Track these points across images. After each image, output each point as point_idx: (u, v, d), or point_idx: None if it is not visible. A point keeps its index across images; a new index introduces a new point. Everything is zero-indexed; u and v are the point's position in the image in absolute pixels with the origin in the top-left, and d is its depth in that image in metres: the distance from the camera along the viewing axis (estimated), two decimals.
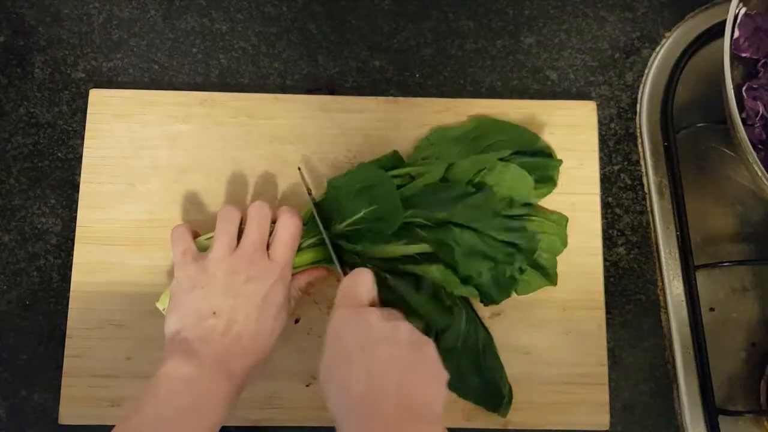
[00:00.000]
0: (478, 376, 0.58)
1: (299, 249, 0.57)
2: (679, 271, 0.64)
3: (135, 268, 0.62)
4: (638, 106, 0.67)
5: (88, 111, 0.65)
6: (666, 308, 0.63)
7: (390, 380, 0.46)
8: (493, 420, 0.59)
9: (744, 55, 0.63)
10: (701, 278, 0.63)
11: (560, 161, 0.62)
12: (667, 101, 0.67)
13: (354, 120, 0.65)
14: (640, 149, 0.66)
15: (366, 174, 0.59)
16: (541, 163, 0.61)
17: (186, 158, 0.64)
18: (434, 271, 0.57)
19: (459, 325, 0.58)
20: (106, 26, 0.68)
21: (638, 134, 0.67)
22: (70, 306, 0.61)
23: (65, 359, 0.60)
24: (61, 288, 0.63)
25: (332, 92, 0.67)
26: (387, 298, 0.56)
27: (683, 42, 0.68)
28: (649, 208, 0.65)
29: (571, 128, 0.65)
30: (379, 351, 0.47)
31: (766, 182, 0.55)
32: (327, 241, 0.58)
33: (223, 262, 0.53)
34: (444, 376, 0.48)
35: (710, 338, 0.62)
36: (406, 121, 0.65)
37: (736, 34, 0.62)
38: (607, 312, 0.62)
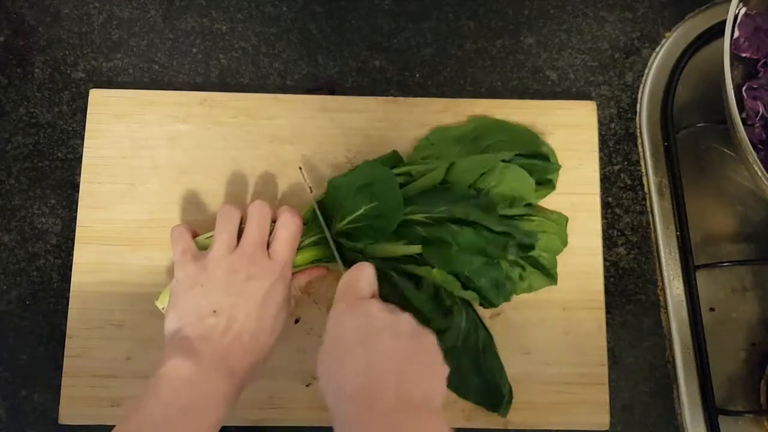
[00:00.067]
0: (478, 375, 0.58)
1: (299, 248, 0.57)
2: (679, 271, 0.64)
3: (135, 268, 0.61)
4: (638, 106, 0.68)
5: (88, 111, 0.65)
6: (666, 308, 0.63)
7: (390, 371, 0.46)
8: (493, 420, 0.59)
9: (744, 55, 0.63)
10: (701, 278, 0.63)
11: (559, 165, 0.62)
12: (667, 101, 0.67)
13: (354, 120, 0.65)
14: (640, 149, 0.66)
15: (368, 171, 0.59)
16: (541, 166, 0.61)
17: (186, 158, 0.64)
18: (435, 274, 0.57)
19: (459, 325, 0.58)
20: (106, 26, 0.68)
21: (638, 134, 0.67)
22: (70, 306, 0.61)
23: (65, 359, 0.60)
24: (61, 288, 0.63)
25: (332, 92, 0.67)
26: (387, 295, 0.56)
27: (683, 42, 0.68)
28: (649, 208, 0.65)
29: (571, 128, 0.65)
30: (380, 342, 0.47)
31: (766, 182, 0.55)
32: (329, 236, 0.57)
33: (223, 261, 0.53)
34: (444, 368, 0.48)
35: (710, 338, 0.62)
36: (406, 121, 0.65)
37: (736, 34, 0.62)
38: (607, 312, 0.62)
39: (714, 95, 0.61)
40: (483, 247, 0.57)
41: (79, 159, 0.64)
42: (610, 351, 0.62)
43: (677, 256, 0.64)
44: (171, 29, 0.68)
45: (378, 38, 0.69)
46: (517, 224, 0.59)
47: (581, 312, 0.62)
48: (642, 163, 0.66)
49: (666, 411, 0.62)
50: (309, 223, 0.59)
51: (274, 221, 0.56)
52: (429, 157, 0.62)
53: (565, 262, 0.61)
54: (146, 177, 0.63)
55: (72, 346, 0.60)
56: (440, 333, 0.58)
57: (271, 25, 0.69)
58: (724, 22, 0.58)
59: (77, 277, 0.61)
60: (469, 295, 0.58)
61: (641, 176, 0.66)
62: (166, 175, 0.63)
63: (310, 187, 0.61)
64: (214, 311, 0.52)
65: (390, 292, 0.57)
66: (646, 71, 0.68)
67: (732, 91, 0.55)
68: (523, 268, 0.60)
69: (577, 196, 0.64)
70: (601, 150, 0.66)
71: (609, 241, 0.64)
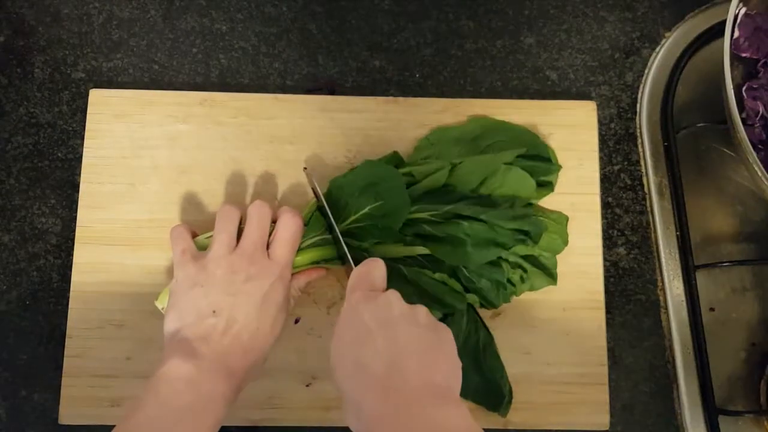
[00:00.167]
0: (479, 375, 0.58)
1: (300, 249, 0.57)
2: (679, 271, 0.64)
3: (135, 268, 0.61)
4: (638, 106, 0.68)
5: (88, 111, 0.65)
6: (666, 308, 0.63)
7: (412, 356, 0.45)
8: (493, 420, 0.59)
9: (744, 55, 0.63)
10: (701, 278, 0.63)
11: (560, 166, 0.62)
12: (667, 101, 0.67)
13: (354, 120, 0.65)
14: (640, 149, 0.66)
15: (372, 170, 0.59)
16: (541, 167, 0.61)
17: (186, 158, 0.64)
18: (437, 278, 0.57)
19: (460, 325, 0.58)
20: (106, 26, 0.68)
21: (638, 134, 0.67)
22: (70, 306, 0.61)
23: (65, 359, 0.60)
24: (61, 288, 0.63)
25: (332, 92, 0.67)
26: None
27: (683, 42, 0.68)
28: (649, 208, 0.65)
29: (571, 128, 0.65)
30: (400, 329, 0.47)
31: (766, 182, 0.55)
32: (338, 233, 0.57)
33: (223, 261, 0.53)
34: (460, 362, 0.48)
35: (710, 338, 0.62)
36: (406, 121, 0.65)
37: (736, 34, 0.62)
38: (607, 312, 0.62)
39: (714, 95, 0.61)
40: (495, 239, 0.57)
41: (79, 159, 0.64)
42: (610, 351, 0.62)
43: (677, 256, 0.64)
44: (171, 29, 0.68)
45: (378, 38, 0.69)
46: (522, 213, 0.59)
47: (581, 312, 0.62)
48: (642, 163, 0.66)
49: (666, 411, 0.62)
50: (310, 224, 0.59)
51: (274, 221, 0.56)
52: (429, 157, 0.62)
53: (565, 262, 0.61)
54: (146, 177, 0.63)
55: (72, 346, 0.60)
56: None
57: (271, 25, 0.69)
58: (724, 22, 0.58)
59: (77, 277, 0.61)
60: (471, 298, 0.58)
61: (641, 176, 0.66)
62: (166, 175, 0.63)
63: (315, 190, 0.60)
64: (214, 311, 0.51)
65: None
66: (646, 71, 0.68)
67: (732, 91, 0.55)
68: (525, 270, 0.60)
69: (577, 196, 0.64)
70: (601, 150, 0.66)
71: (609, 241, 0.64)
